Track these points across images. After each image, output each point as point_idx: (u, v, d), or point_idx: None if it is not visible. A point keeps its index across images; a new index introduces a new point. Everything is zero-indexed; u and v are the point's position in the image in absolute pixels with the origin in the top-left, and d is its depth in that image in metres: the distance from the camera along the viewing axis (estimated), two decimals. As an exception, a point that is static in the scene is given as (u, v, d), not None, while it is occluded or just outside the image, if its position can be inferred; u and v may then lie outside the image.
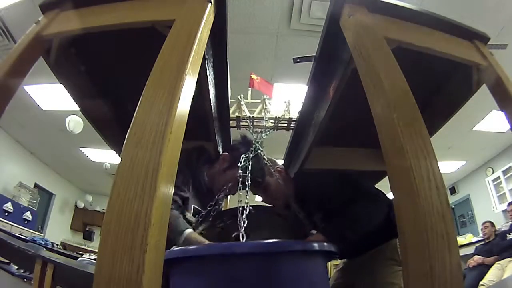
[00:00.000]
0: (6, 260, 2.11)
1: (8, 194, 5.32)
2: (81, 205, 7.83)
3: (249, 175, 1.05)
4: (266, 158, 1.22)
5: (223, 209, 1.51)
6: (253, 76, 1.59)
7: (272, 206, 1.23)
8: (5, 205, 5.03)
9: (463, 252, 3.98)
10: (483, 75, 0.92)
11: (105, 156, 5.66)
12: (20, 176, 5.70)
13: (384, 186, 1.07)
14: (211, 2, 0.71)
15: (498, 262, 3.25)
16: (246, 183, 1.01)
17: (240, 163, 1.05)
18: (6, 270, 2.12)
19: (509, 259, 3.19)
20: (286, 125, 1.44)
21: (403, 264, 0.57)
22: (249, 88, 1.60)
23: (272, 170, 1.25)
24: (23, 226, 5.32)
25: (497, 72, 0.90)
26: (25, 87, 3.77)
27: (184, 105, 0.55)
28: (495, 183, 5.40)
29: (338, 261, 1.43)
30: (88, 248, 6.59)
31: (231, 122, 1.35)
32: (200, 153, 1.27)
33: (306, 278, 0.74)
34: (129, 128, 0.51)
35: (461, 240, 4.58)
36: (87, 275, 1.54)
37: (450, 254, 0.51)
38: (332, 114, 1.07)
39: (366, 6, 0.81)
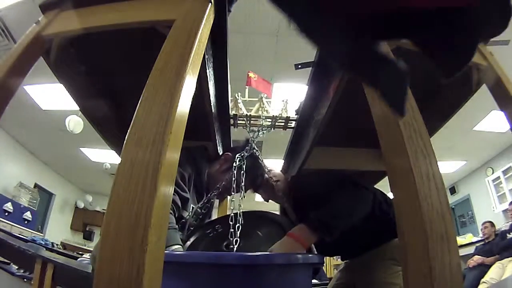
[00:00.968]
0: (6, 260, 2.11)
1: (8, 194, 5.32)
2: (81, 205, 7.84)
3: (248, 176, 1.04)
4: (261, 158, 1.23)
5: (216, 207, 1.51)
6: (251, 74, 1.59)
7: (264, 211, 1.22)
8: (5, 205, 5.03)
9: (463, 252, 3.99)
10: (483, 75, 0.92)
11: (105, 156, 5.67)
12: (20, 176, 5.71)
13: (384, 186, 1.07)
14: (211, 2, 0.71)
15: (499, 261, 3.25)
16: (243, 184, 1.01)
17: (243, 164, 1.05)
18: (6, 270, 2.12)
19: (510, 259, 3.19)
20: (283, 124, 1.43)
21: (403, 264, 0.57)
22: (246, 87, 1.59)
23: (267, 170, 1.25)
24: (23, 226, 5.33)
25: (497, 72, 0.90)
26: (25, 87, 3.77)
27: (184, 105, 0.55)
28: (495, 183, 5.40)
29: (339, 262, 1.43)
30: (88, 248, 6.58)
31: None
32: (203, 152, 1.27)
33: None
34: (129, 128, 0.51)
35: (461, 240, 4.58)
36: (87, 275, 1.54)
37: (450, 254, 0.51)
38: (332, 114, 1.08)
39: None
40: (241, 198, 1.01)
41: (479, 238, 4.25)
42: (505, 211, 4.77)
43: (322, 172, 1.40)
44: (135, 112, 0.52)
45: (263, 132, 1.31)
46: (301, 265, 0.78)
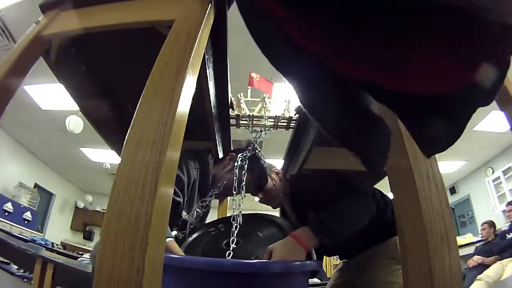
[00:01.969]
0: (6, 260, 2.11)
1: (8, 194, 5.33)
2: (81, 205, 7.84)
3: (252, 178, 1.04)
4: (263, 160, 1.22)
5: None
6: (253, 74, 1.58)
7: (265, 214, 1.22)
8: (5, 205, 5.03)
9: (463, 252, 3.99)
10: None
11: (105, 156, 5.67)
12: (20, 176, 5.71)
13: (384, 186, 1.07)
14: (211, 2, 0.71)
15: (499, 261, 3.26)
16: (245, 185, 1.01)
17: (246, 164, 1.05)
18: (6, 270, 2.12)
19: (509, 259, 3.19)
20: (286, 124, 1.43)
21: (403, 264, 0.57)
22: (249, 87, 1.59)
23: (269, 172, 1.25)
24: (23, 226, 5.33)
25: (497, 72, 0.90)
26: (25, 87, 3.78)
27: (184, 105, 0.55)
28: (495, 183, 5.40)
29: (338, 261, 1.43)
30: (88, 248, 6.58)
31: (230, 120, 1.35)
32: (210, 154, 1.27)
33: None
34: (129, 128, 0.51)
35: (461, 240, 4.58)
36: (87, 275, 1.55)
37: (450, 254, 0.51)
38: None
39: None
40: (241, 198, 1.01)
41: (479, 238, 4.25)
42: (504, 211, 4.77)
43: (322, 172, 1.40)
44: (135, 112, 0.52)
45: (266, 132, 1.31)
46: (298, 272, 0.79)
